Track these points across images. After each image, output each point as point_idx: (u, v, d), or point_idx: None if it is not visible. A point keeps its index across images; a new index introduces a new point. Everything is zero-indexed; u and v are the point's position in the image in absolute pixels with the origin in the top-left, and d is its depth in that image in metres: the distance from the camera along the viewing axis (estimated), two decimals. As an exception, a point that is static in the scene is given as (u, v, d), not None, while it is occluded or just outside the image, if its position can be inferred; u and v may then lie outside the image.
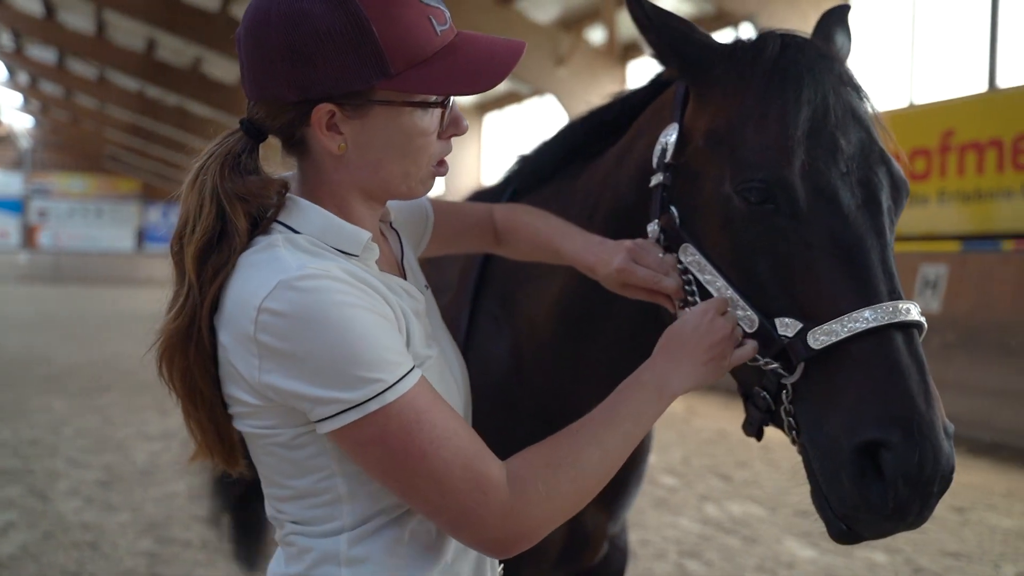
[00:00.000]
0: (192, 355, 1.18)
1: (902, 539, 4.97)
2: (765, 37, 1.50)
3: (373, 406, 1.10)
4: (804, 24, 9.40)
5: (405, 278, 1.39)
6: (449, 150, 1.31)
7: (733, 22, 12.82)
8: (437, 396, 1.17)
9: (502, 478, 1.15)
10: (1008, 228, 8.74)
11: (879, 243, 1.34)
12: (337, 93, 1.17)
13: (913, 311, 1.29)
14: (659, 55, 1.56)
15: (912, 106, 10.24)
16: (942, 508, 5.74)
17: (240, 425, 1.22)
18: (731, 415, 8.84)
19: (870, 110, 1.47)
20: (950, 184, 9.28)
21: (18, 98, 40.58)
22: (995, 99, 9.39)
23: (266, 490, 1.27)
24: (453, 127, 1.28)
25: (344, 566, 1.20)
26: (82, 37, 24.60)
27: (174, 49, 24.03)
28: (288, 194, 1.24)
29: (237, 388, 1.17)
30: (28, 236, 43.89)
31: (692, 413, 8.89)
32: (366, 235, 1.24)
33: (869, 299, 1.28)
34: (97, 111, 35.70)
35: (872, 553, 4.76)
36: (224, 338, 1.16)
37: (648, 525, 5.17)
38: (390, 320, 1.17)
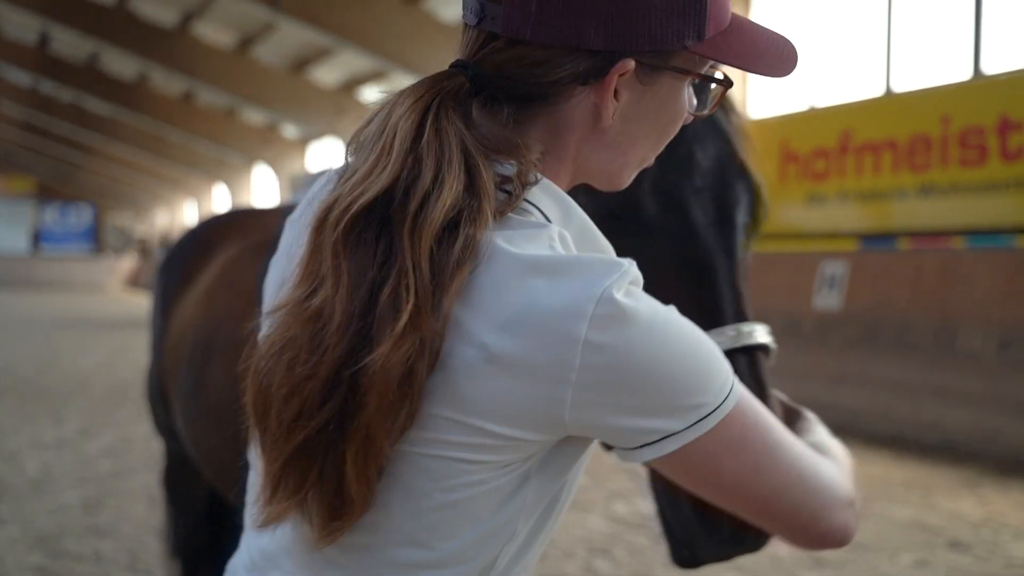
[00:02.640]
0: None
1: (805, 531, 5.08)
2: None
3: (731, 403, 0.92)
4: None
5: None
6: None
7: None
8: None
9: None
10: (903, 227, 9.03)
11: (728, 263, 1.32)
12: (646, 48, 0.95)
13: (758, 334, 1.28)
14: None
15: (812, 108, 10.51)
16: (843, 500, 5.88)
17: (462, 467, 0.92)
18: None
19: (733, 120, 1.42)
20: (849, 184, 9.54)
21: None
22: (890, 102, 9.70)
23: (397, 552, 0.96)
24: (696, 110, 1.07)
25: None
26: (-30, 29, 23.57)
27: (69, 43, 23.18)
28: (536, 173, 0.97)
29: (479, 414, 0.88)
30: (-87, 237, 41.87)
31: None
32: (612, 251, 1.02)
33: (713, 322, 1.26)
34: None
35: (774, 547, 4.84)
36: (504, 343, 0.86)
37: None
38: None
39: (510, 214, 0.93)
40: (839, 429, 6.85)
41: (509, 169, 0.94)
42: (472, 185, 0.90)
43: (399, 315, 0.85)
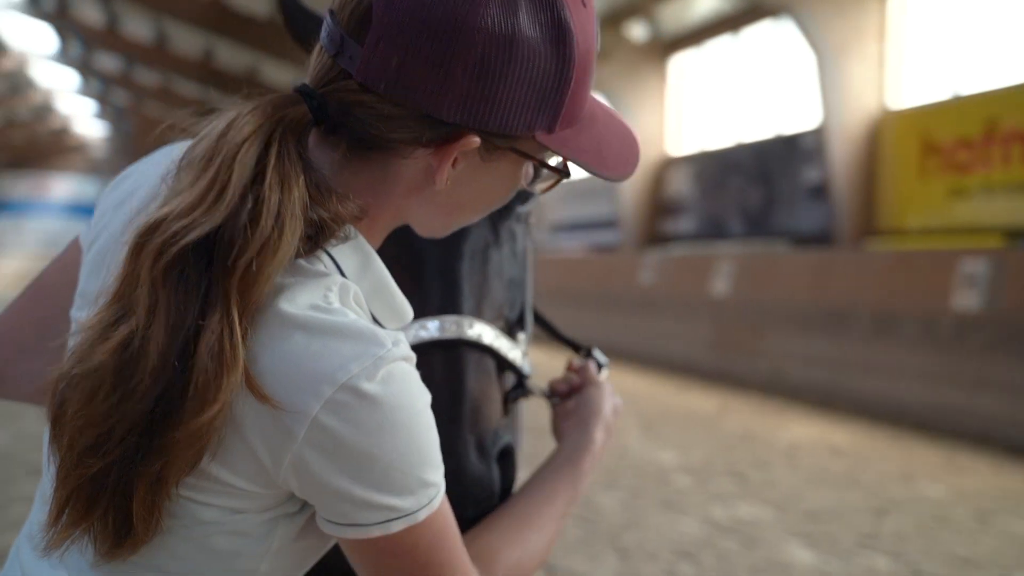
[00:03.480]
0: None
1: (912, 544, 4.78)
2: None
3: (423, 515, 0.91)
4: (841, 17, 9.11)
5: None
6: None
7: (771, 14, 12.55)
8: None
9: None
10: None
11: (443, 254, 1.27)
12: (495, 130, 0.94)
13: (468, 329, 1.22)
14: None
15: (956, 97, 9.90)
16: (962, 513, 5.50)
17: (196, 507, 0.92)
18: (763, 413, 8.64)
19: None
20: (995, 176, 8.94)
21: (92, 105, 41.93)
22: (1041, 87, 9.03)
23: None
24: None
25: None
26: (144, 46, 25.31)
27: (230, 56, 24.54)
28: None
29: (225, 466, 0.89)
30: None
31: (725, 409, 8.71)
32: (410, 313, 1.03)
33: (418, 313, 1.21)
34: (163, 119, 36.62)
35: (874, 558, 4.58)
36: (240, 395, 0.86)
37: (649, 525, 5.06)
38: None
39: (298, 259, 0.91)
40: (977, 438, 6.48)
41: (323, 214, 0.92)
42: (304, 238, 0.90)
43: (224, 373, 0.83)
